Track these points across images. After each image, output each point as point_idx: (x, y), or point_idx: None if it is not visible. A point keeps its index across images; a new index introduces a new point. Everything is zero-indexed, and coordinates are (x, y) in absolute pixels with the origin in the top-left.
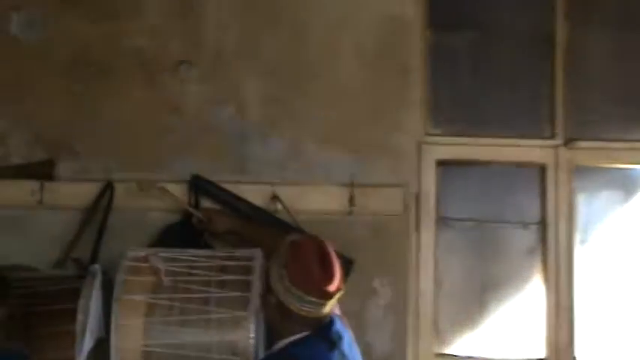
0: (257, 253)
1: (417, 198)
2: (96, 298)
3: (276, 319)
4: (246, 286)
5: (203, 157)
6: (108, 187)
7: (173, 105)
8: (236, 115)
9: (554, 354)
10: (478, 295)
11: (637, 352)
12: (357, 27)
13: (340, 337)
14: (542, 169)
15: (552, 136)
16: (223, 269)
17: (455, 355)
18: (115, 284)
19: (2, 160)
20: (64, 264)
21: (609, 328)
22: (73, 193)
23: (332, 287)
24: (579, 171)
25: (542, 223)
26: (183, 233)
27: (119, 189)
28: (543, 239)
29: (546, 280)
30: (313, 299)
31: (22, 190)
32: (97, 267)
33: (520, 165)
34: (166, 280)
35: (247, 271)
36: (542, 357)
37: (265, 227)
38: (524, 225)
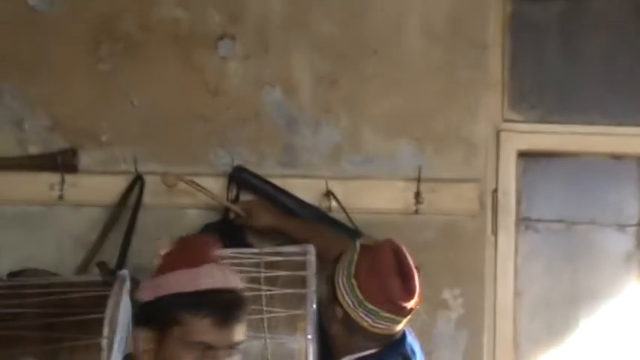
0: (309, 248)
1: (495, 195)
2: (124, 308)
3: (342, 334)
4: (300, 282)
5: (245, 146)
6: (137, 181)
7: (211, 87)
8: (284, 99)
9: None
10: (565, 309)
11: None
12: None
13: (414, 353)
14: None
15: None
16: (272, 265)
17: None
18: None
19: (18, 149)
20: (87, 268)
21: None
22: (98, 187)
23: (412, 303)
24: None
25: None
26: (223, 234)
27: (150, 183)
28: None
29: None
30: (390, 316)
31: (40, 183)
32: (125, 272)
33: (616, 157)
34: None
35: (300, 266)
36: None
37: (315, 225)
38: (621, 227)
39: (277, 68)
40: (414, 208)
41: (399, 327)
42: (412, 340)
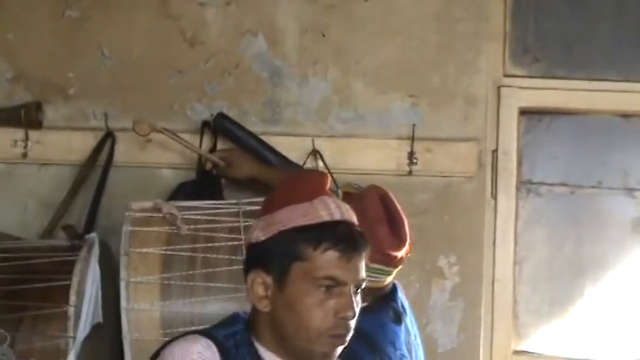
0: None
1: (495, 156)
2: (93, 275)
3: None
4: None
5: (225, 101)
6: (107, 138)
7: (189, 36)
8: (267, 49)
9: None
10: (569, 278)
11: None
12: None
13: (404, 309)
14: None
15: None
16: (252, 215)
17: (538, 354)
18: (122, 236)
19: None
20: (53, 232)
21: None
22: (65, 144)
23: (403, 252)
24: None
25: None
26: (199, 193)
27: (121, 140)
28: None
29: None
30: (379, 267)
31: (2, 139)
32: (94, 236)
33: (625, 115)
34: (184, 229)
35: None
36: None
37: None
38: (629, 191)
39: (260, 15)
40: (407, 169)
41: (389, 279)
42: (402, 296)
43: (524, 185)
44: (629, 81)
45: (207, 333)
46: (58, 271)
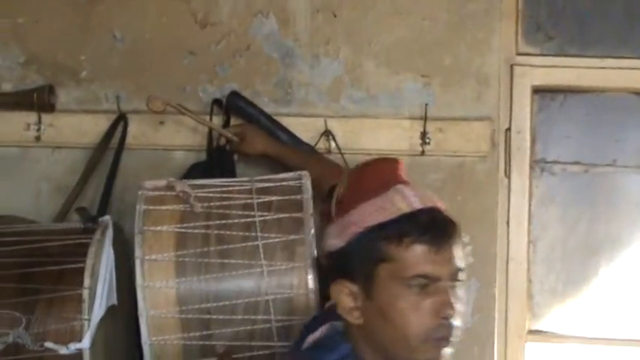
0: (303, 174)
1: (508, 135)
2: (107, 257)
3: None
4: (295, 207)
5: (236, 82)
6: (120, 120)
7: (200, 17)
8: (278, 30)
9: None
10: (583, 258)
11: None
12: None
13: None
14: None
15: None
16: (265, 191)
17: (553, 333)
18: (136, 215)
19: None
20: (66, 215)
21: None
22: (78, 127)
23: None
24: None
25: None
26: (211, 173)
27: (134, 122)
28: None
29: None
30: None
31: (15, 123)
32: (107, 219)
33: (639, 93)
34: (198, 207)
35: (295, 191)
36: None
37: (311, 153)
38: None
39: None
40: (420, 148)
41: None
42: None
43: (538, 164)
44: None
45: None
46: (72, 253)
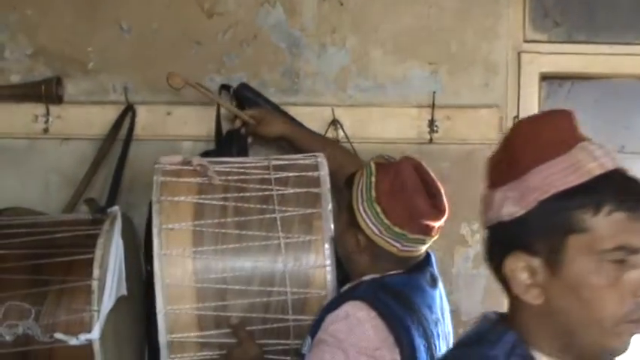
0: (319, 154)
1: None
2: (116, 248)
3: (365, 261)
4: (312, 183)
5: (244, 72)
6: (128, 112)
7: (206, 7)
8: (285, 19)
9: None
10: None
11: None
12: None
13: (439, 275)
14: None
15: None
16: (282, 168)
17: None
18: (153, 186)
19: None
20: (75, 206)
21: None
22: (86, 118)
23: (442, 222)
24: None
25: None
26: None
27: (142, 113)
28: None
29: None
30: (419, 237)
31: (23, 115)
32: (116, 209)
33: None
34: (216, 179)
35: (311, 168)
36: None
37: (327, 139)
38: None
39: None
40: (428, 136)
41: (425, 247)
42: (436, 264)
43: None
44: None
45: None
46: (81, 244)
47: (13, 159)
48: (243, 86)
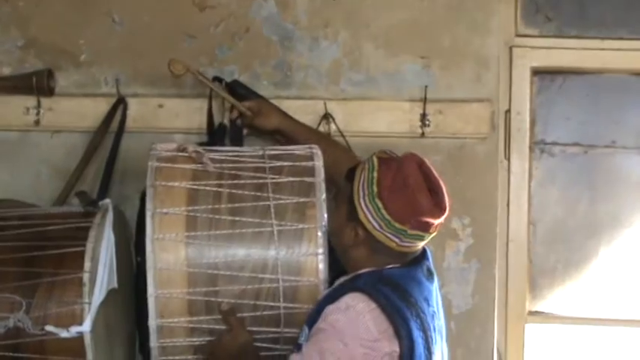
0: (313, 145)
1: (507, 116)
2: (107, 241)
3: (363, 255)
4: (307, 173)
5: (236, 65)
6: (119, 104)
7: (198, 0)
8: (277, 12)
9: None
10: (583, 238)
11: None
12: None
13: (434, 270)
14: None
15: None
16: (277, 157)
17: (553, 314)
18: (148, 171)
19: None
20: (66, 199)
21: None
22: (77, 111)
23: (442, 219)
24: None
25: None
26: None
27: (133, 106)
28: None
29: None
30: (418, 233)
31: (14, 107)
32: (107, 202)
33: (638, 74)
34: (211, 165)
35: (306, 158)
36: None
37: (323, 134)
38: None
39: None
40: (419, 130)
41: (424, 243)
42: (432, 260)
43: (538, 146)
44: None
45: None
46: (73, 237)
47: (4, 151)
48: (235, 83)
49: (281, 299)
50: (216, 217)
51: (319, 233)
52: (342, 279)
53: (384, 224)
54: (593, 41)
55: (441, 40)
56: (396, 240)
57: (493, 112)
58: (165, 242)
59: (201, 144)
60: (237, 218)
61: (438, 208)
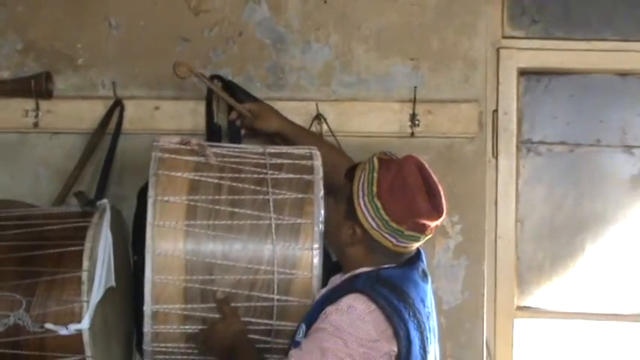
0: (313, 147)
1: (495, 116)
2: (105, 240)
3: (359, 254)
4: (306, 170)
5: (230, 68)
6: (116, 106)
7: (193, 4)
8: (270, 16)
9: None
10: (569, 235)
11: None
12: None
13: (428, 272)
14: None
15: None
16: (277, 155)
17: (541, 309)
18: (151, 161)
19: None
20: (65, 199)
21: None
22: (75, 113)
23: (438, 222)
24: None
25: None
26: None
27: (130, 108)
28: None
29: None
30: (414, 234)
31: (13, 110)
32: (105, 202)
33: (623, 74)
34: (214, 158)
35: (307, 157)
36: None
37: (322, 138)
38: (627, 148)
39: None
40: (409, 130)
41: (419, 244)
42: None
43: (525, 145)
44: (626, 40)
45: None
46: (71, 237)
47: (3, 153)
48: (231, 84)
49: (275, 291)
50: (216, 207)
51: (316, 229)
52: (337, 277)
53: (381, 224)
54: (578, 42)
55: (430, 42)
56: (393, 240)
57: (481, 112)
58: (164, 229)
59: None
60: (236, 210)
61: (436, 211)
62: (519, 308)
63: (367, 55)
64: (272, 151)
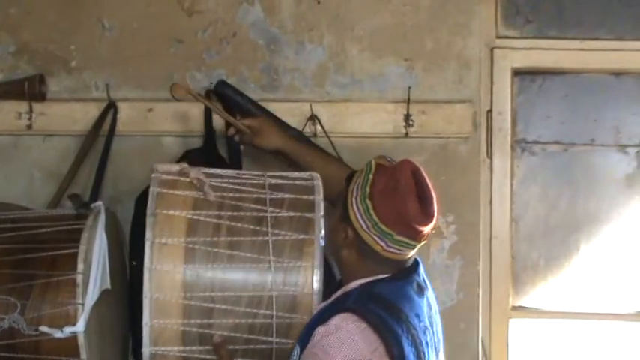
0: (315, 174)
1: (489, 116)
2: (99, 242)
3: (353, 259)
4: (307, 207)
5: (223, 69)
6: (110, 108)
7: (186, 5)
8: (263, 17)
9: None
10: (564, 235)
11: None
12: None
13: (426, 284)
14: None
15: None
16: (277, 188)
17: (536, 309)
18: (149, 197)
19: None
20: (59, 201)
21: None
22: (68, 115)
23: (430, 228)
24: None
25: None
26: (206, 161)
27: (123, 110)
28: None
29: None
30: (405, 240)
31: (7, 112)
32: (99, 204)
33: (617, 73)
34: (212, 195)
35: (307, 191)
36: None
37: (323, 153)
38: (622, 148)
39: None
40: (403, 131)
41: (412, 252)
42: (423, 272)
43: (519, 144)
44: (620, 39)
45: None
46: (66, 239)
47: None
48: (222, 83)
49: (274, 334)
50: (215, 250)
51: (315, 271)
52: (339, 293)
53: (371, 225)
54: (572, 42)
55: (423, 42)
56: (382, 244)
57: (475, 112)
58: (162, 273)
59: (189, 152)
60: (235, 252)
61: (425, 216)
62: (514, 308)
63: (361, 55)
64: (273, 182)
